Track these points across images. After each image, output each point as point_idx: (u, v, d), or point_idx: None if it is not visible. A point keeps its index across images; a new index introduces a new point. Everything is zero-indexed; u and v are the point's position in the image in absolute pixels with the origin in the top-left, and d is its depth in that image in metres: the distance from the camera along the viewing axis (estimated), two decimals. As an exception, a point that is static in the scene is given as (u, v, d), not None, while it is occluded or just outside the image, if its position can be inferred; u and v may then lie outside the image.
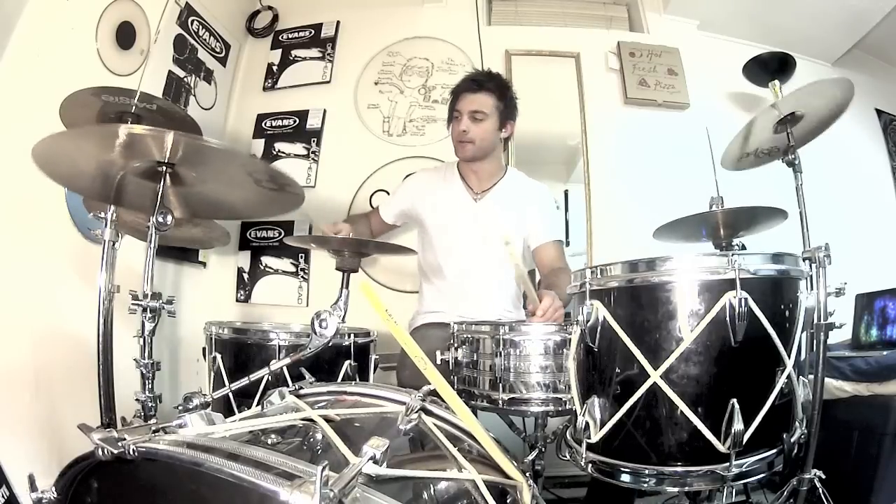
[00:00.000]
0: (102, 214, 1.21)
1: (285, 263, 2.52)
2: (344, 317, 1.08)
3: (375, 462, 0.59)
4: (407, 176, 2.09)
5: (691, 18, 2.75)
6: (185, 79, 2.30)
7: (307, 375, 1.10)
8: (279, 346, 1.35)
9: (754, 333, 0.87)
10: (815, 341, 1.17)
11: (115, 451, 0.58)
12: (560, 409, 1.11)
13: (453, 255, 1.74)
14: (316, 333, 1.04)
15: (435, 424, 0.83)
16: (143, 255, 1.17)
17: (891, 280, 1.83)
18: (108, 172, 1.11)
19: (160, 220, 1.13)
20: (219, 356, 1.39)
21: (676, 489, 0.92)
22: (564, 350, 1.10)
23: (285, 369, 1.06)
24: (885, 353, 1.58)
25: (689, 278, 0.90)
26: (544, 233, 1.76)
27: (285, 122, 2.64)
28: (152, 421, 1.03)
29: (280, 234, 2.52)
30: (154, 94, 1.48)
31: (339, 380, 1.35)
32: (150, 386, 1.18)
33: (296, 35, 2.77)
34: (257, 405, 0.91)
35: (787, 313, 0.93)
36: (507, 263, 1.48)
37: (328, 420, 0.77)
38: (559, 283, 1.44)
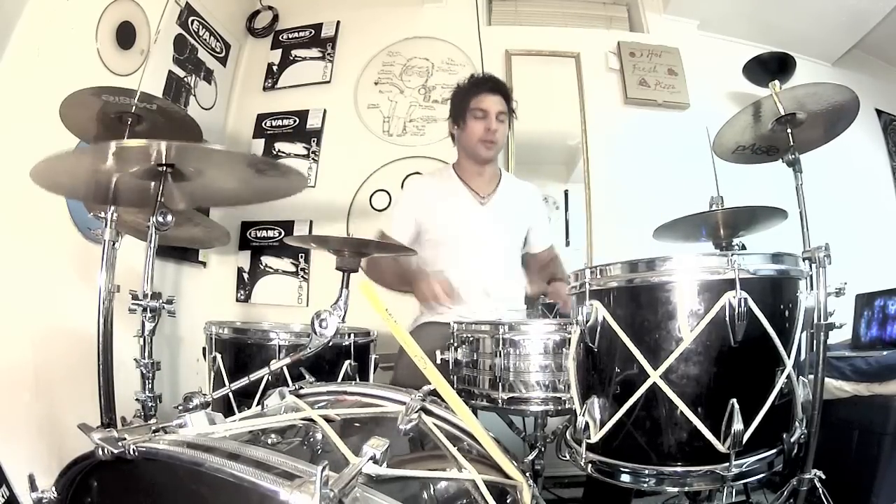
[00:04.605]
0: (102, 214, 1.21)
1: (285, 263, 2.52)
2: (344, 317, 1.07)
3: (375, 462, 0.59)
4: (404, 181, 2.09)
5: (691, 18, 2.76)
6: (185, 79, 2.30)
7: (307, 375, 1.10)
8: (279, 346, 1.35)
9: (754, 333, 0.86)
10: (815, 341, 1.16)
11: (115, 451, 0.58)
12: (560, 408, 1.11)
13: (463, 261, 1.71)
14: (316, 333, 1.04)
15: (435, 424, 0.83)
16: (143, 255, 1.17)
17: (891, 280, 1.83)
18: (107, 180, 1.11)
19: (160, 219, 1.13)
20: (219, 356, 1.39)
21: (676, 489, 0.92)
22: (564, 350, 1.09)
23: (285, 369, 1.06)
24: (885, 353, 1.58)
25: (688, 278, 0.90)
26: (542, 241, 1.93)
27: (285, 121, 2.64)
28: (152, 421, 1.03)
29: (280, 233, 2.52)
30: (154, 94, 1.48)
31: (339, 380, 1.35)
32: (150, 386, 1.18)
33: (296, 35, 2.77)
34: (257, 405, 0.91)
35: (786, 313, 0.93)
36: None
37: (328, 420, 0.77)
38: (557, 272, 1.83)
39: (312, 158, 2.57)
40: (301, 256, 2.50)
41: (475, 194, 1.78)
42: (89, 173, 1.10)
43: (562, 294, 1.67)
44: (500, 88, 1.77)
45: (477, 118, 1.73)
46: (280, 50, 2.76)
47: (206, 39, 2.42)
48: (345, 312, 1.08)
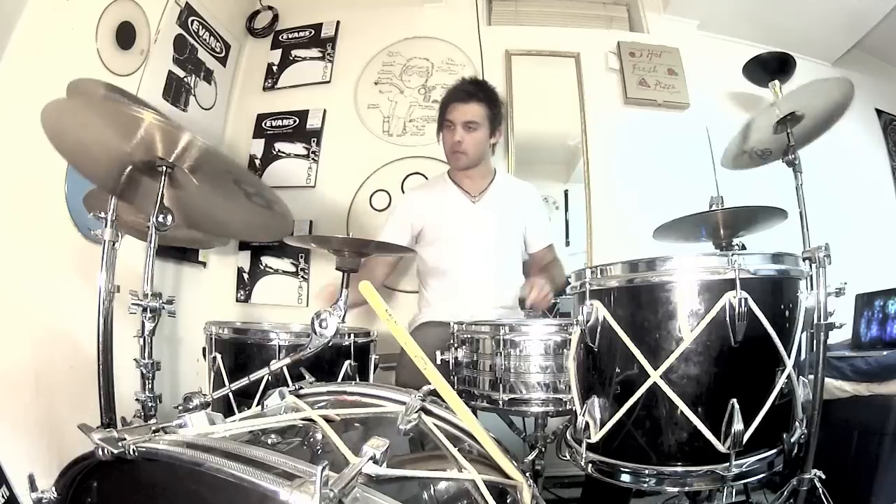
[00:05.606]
0: (102, 214, 1.21)
1: (285, 263, 2.52)
2: (344, 317, 1.08)
3: (375, 462, 0.59)
4: (404, 183, 2.05)
5: (691, 18, 2.75)
6: (185, 79, 2.30)
7: (307, 375, 1.10)
8: (279, 346, 1.35)
9: (754, 333, 0.87)
10: (815, 341, 1.16)
11: (115, 451, 0.58)
12: (560, 409, 1.12)
13: (457, 258, 1.76)
14: (316, 333, 1.04)
15: (435, 424, 0.83)
16: (143, 255, 1.17)
17: (891, 280, 1.83)
18: (111, 158, 1.10)
19: (160, 220, 1.13)
20: (219, 356, 1.39)
21: (676, 489, 0.92)
22: (564, 350, 1.10)
23: (285, 369, 1.06)
24: (885, 353, 1.58)
25: (689, 278, 0.90)
26: (539, 240, 1.89)
27: (285, 122, 2.64)
28: (152, 421, 1.03)
29: (280, 234, 2.52)
30: (149, 103, 1.47)
31: (339, 380, 1.35)
32: (150, 386, 1.17)
33: (296, 35, 2.77)
34: (257, 405, 0.91)
35: (787, 313, 0.93)
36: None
37: (328, 420, 0.77)
38: (553, 273, 1.77)
39: (312, 158, 2.57)
40: (301, 257, 2.50)
41: (466, 194, 1.82)
42: (97, 142, 1.08)
43: (536, 291, 1.54)
44: (474, 95, 1.73)
45: (446, 128, 1.78)
46: (280, 50, 2.75)
47: (205, 39, 2.42)
48: (345, 312, 1.08)
